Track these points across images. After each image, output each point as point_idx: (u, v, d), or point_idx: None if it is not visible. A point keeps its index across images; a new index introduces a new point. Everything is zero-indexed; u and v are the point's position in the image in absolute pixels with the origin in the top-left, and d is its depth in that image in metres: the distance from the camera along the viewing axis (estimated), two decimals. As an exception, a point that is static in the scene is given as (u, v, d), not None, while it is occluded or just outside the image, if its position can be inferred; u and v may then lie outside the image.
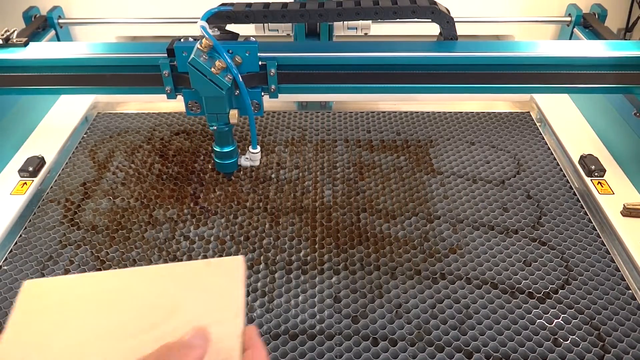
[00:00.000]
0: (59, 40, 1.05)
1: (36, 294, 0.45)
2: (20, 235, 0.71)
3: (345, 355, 0.55)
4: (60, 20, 1.04)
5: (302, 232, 0.71)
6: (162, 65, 0.65)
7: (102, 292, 0.45)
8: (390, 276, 0.64)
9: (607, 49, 0.69)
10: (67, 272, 0.65)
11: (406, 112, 0.97)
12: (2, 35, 0.73)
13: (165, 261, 0.66)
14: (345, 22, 0.99)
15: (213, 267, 0.47)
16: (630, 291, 0.62)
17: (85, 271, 0.65)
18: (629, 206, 0.72)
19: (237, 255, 0.67)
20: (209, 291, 0.45)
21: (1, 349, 0.42)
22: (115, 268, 0.66)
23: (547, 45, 0.69)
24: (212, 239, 0.70)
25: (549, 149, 0.87)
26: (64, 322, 0.43)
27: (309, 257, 0.67)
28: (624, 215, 0.72)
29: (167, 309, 0.44)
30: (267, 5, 0.69)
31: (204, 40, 0.60)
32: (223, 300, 0.45)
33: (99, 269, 0.65)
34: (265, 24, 1.01)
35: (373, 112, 0.97)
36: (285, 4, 0.69)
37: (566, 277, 0.64)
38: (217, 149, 0.72)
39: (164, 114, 0.97)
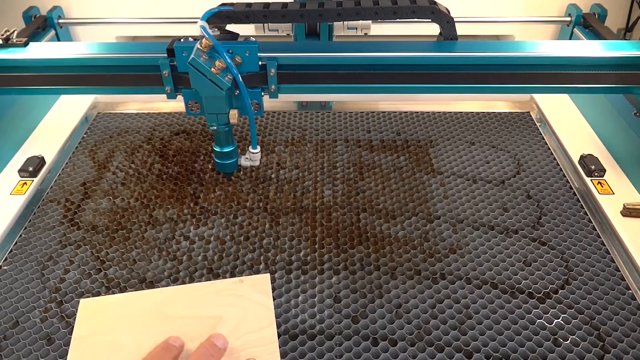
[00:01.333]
0: (59, 40, 1.05)
1: (92, 311, 0.53)
2: (20, 235, 0.71)
3: (345, 355, 0.55)
4: (60, 20, 1.04)
5: (302, 232, 0.71)
6: (162, 65, 0.65)
7: (152, 307, 0.53)
8: (390, 276, 0.64)
9: (607, 49, 0.69)
10: (67, 272, 0.65)
11: (406, 112, 0.97)
12: (2, 35, 0.73)
13: (165, 261, 0.66)
14: (345, 22, 0.99)
15: (245, 284, 0.56)
16: (630, 291, 0.62)
17: (85, 271, 0.65)
18: (629, 206, 0.72)
19: (238, 254, 0.67)
20: (245, 304, 0.53)
21: (71, 358, 0.49)
22: (116, 268, 0.65)
23: (547, 45, 0.69)
24: (212, 239, 0.70)
25: (549, 149, 0.87)
26: (120, 334, 0.51)
27: (309, 257, 0.67)
28: (624, 215, 0.72)
29: (211, 322, 0.51)
30: (267, 5, 0.69)
31: (204, 40, 0.60)
32: (257, 312, 0.53)
33: (99, 269, 0.65)
34: (265, 24, 1.01)
35: (373, 112, 0.97)
36: (285, 4, 0.69)
37: (566, 277, 0.64)
38: (217, 149, 0.72)
39: (164, 114, 0.97)
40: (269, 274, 0.57)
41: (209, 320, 0.52)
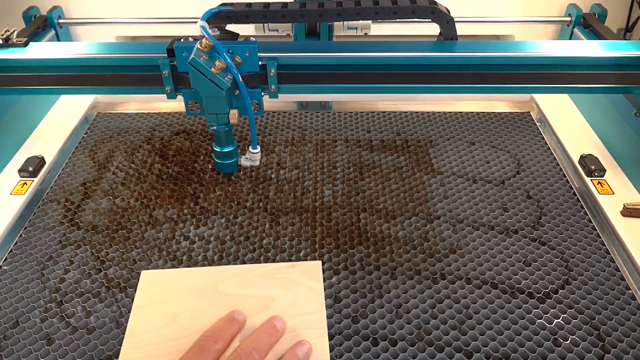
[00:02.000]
0: (59, 40, 1.05)
1: (152, 283, 0.57)
2: (20, 235, 0.71)
3: (345, 355, 0.55)
4: (60, 20, 1.04)
5: (302, 232, 0.71)
6: (162, 65, 0.65)
7: (208, 284, 0.56)
8: (390, 276, 0.64)
9: (607, 49, 0.69)
10: (67, 272, 0.65)
11: (406, 112, 0.97)
12: (2, 35, 0.73)
13: (165, 261, 0.66)
14: (345, 22, 0.99)
15: (298, 269, 0.58)
16: (630, 291, 0.62)
17: (85, 271, 0.65)
18: (629, 206, 0.72)
19: (238, 254, 0.67)
20: (297, 288, 0.56)
21: (131, 325, 0.52)
22: (116, 268, 0.66)
23: (547, 45, 0.69)
24: (212, 239, 0.70)
25: (549, 149, 0.87)
26: (177, 306, 0.54)
27: (309, 257, 0.67)
28: (624, 215, 0.72)
29: (263, 302, 0.54)
30: (267, 5, 0.69)
31: (204, 40, 0.60)
32: (308, 296, 0.55)
33: (99, 269, 0.65)
34: (265, 24, 1.01)
35: (373, 112, 0.97)
36: (285, 4, 0.69)
37: (566, 277, 0.64)
38: (217, 149, 0.72)
39: (164, 114, 0.97)
40: (320, 262, 0.59)
41: (261, 300, 0.54)
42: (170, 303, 0.54)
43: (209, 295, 0.55)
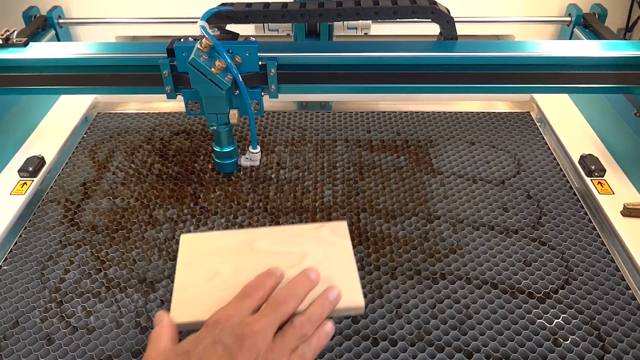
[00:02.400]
0: (59, 40, 1.05)
1: (192, 244, 0.61)
2: (20, 235, 0.71)
3: (346, 355, 0.55)
4: (60, 20, 1.04)
5: (302, 232, 0.71)
6: (162, 65, 0.65)
7: (244, 243, 0.60)
8: (390, 276, 0.64)
9: (607, 49, 0.69)
10: (67, 272, 0.65)
11: (406, 112, 0.97)
12: (2, 35, 0.73)
13: (165, 261, 0.66)
14: (345, 22, 0.99)
15: (326, 228, 0.62)
16: (630, 291, 0.62)
17: (85, 271, 0.65)
18: (629, 206, 0.72)
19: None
20: (327, 244, 0.60)
21: (178, 280, 0.56)
22: (116, 268, 0.65)
23: (547, 45, 0.69)
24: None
25: (549, 149, 0.87)
26: (218, 262, 0.58)
27: (309, 257, 0.67)
28: (624, 215, 0.72)
29: (297, 257, 0.58)
30: (267, 5, 0.69)
31: (204, 40, 0.60)
32: (338, 251, 0.59)
33: (99, 269, 0.65)
34: (265, 24, 1.01)
35: (373, 112, 0.97)
36: (285, 4, 0.68)
37: (566, 277, 0.64)
38: (217, 149, 0.72)
39: (164, 114, 0.97)
40: (346, 221, 0.63)
41: (295, 256, 0.58)
42: (212, 261, 0.59)
43: (246, 253, 0.59)
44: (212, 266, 0.58)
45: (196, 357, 0.44)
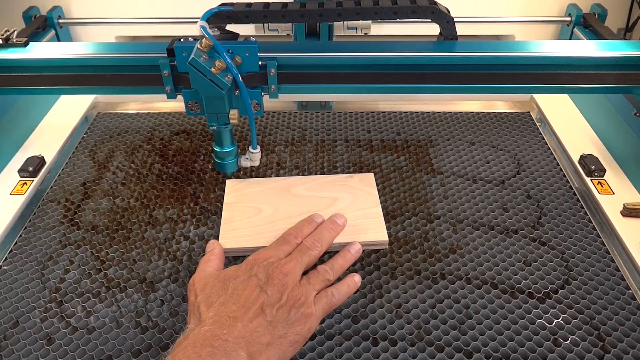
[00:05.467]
0: (59, 40, 1.05)
1: (235, 187, 0.74)
2: (20, 235, 0.71)
3: (346, 355, 0.55)
4: (60, 20, 1.04)
5: (302, 232, 0.71)
6: (162, 65, 0.65)
7: (282, 188, 0.72)
8: (390, 276, 0.64)
9: (607, 49, 0.69)
10: (67, 272, 0.65)
11: (406, 112, 0.97)
12: (2, 35, 0.73)
13: (165, 261, 0.66)
14: (345, 22, 0.99)
15: (355, 178, 0.74)
16: (630, 291, 0.62)
17: (85, 271, 0.65)
18: (629, 206, 0.72)
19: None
20: (355, 191, 0.71)
21: (225, 215, 0.69)
22: (116, 268, 0.65)
23: (547, 45, 0.69)
24: (212, 239, 0.70)
25: (549, 149, 0.87)
26: (259, 202, 0.69)
27: (309, 257, 0.67)
28: (624, 215, 0.72)
29: (328, 201, 0.69)
30: (267, 5, 0.69)
31: (204, 40, 0.60)
32: (365, 196, 0.70)
33: (99, 269, 0.65)
34: (265, 24, 1.01)
35: (373, 112, 0.97)
36: (285, 4, 0.69)
37: (566, 277, 0.64)
38: (217, 149, 0.72)
39: (164, 114, 0.97)
40: (373, 174, 0.74)
41: (327, 200, 0.68)
42: (254, 201, 0.69)
43: (284, 195, 0.70)
44: (255, 204, 0.68)
45: (233, 285, 0.53)
